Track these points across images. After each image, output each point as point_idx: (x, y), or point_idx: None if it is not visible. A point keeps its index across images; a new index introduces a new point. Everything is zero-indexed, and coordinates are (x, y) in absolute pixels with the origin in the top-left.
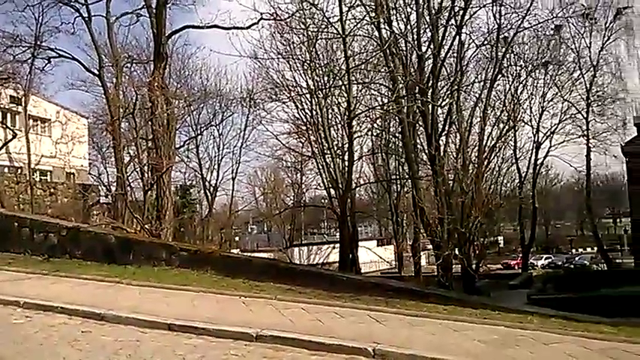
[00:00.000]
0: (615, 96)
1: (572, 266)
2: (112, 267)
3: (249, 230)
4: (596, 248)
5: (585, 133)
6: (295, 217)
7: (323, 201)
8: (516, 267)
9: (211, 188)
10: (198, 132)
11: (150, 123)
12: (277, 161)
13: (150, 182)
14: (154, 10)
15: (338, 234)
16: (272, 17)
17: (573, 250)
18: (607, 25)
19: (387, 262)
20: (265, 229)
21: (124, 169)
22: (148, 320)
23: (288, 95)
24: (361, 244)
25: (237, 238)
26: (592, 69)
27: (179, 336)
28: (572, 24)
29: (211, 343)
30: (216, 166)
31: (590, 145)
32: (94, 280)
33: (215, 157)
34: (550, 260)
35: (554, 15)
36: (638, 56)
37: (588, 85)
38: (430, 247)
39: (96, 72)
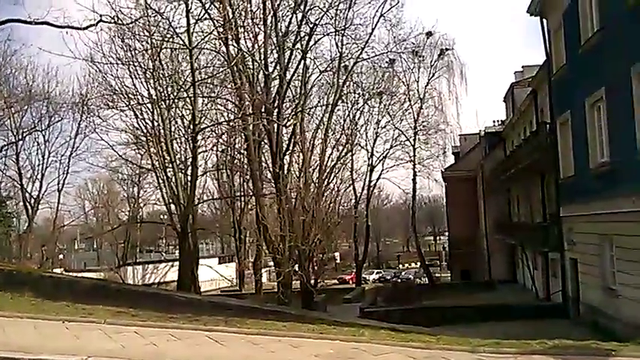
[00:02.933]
0: (437, 127)
1: (399, 280)
2: None
3: (77, 248)
4: (419, 264)
5: (412, 158)
6: (130, 234)
7: (162, 217)
8: (351, 282)
9: (32, 200)
10: (20, 137)
11: None
12: (112, 173)
13: None
14: None
15: (177, 252)
16: (113, 20)
17: (400, 266)
18: (432, 63)
19: (228, 280)
20: (95, 246)
21: None
22: None
23: (128, 103)
24: (202, 261)
25: (61, 257)
26: (419, 101)
27: None
28: (404, 59)
29: None
30: (39, 176)
31: (415, 169)
32: None
33: (39, 165)
34: (380, 275)
35: (389, 49)
36: (456, 93)
37: (416, 116)
38: (272, 264)
39: None
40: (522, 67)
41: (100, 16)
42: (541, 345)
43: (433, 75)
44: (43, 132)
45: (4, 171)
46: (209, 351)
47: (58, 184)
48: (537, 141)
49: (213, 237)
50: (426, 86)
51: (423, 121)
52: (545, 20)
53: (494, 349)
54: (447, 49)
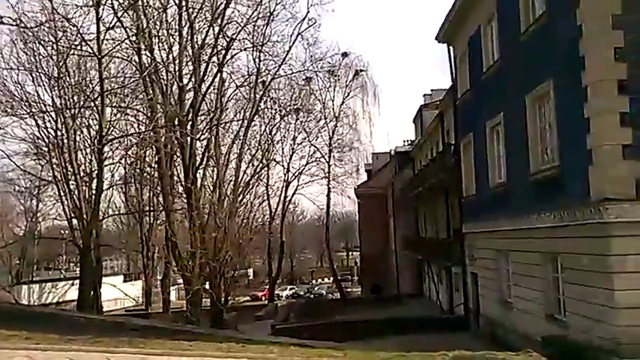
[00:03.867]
0: (351, 145)
1: (311, 296)
2: None
3: None
4: (332, 279)
5: (327, 175)
6: (26, 250)
7: (63, 232)
8: (264, 298)
9: None
10: None
11: None
12: (7, 184)
13: None
14: None
15: (79, 269)
16: (14, 23)
17: (314, 281)
18: (347, 83)
19: (134, 299)
20: None
21: None
22: None
23: (29, 111)
24: (106, 280)
25: None
26: (334, 120)
27: None
28: (320, 78)
29: None
30: None
31: (330, 186)
32: None
33: None
34: (294, 291)
35: (306, 67)
36: (370, 113)
37: (331, 133)
38: (180, 281)
39: None
40: (431, 90)
41: (0, 17)
42: (442, 357)
43: (348, 94)
44: None
45: None
46: None
47: None
48: (443, 161)
49: (119, 254)
50: (341, 105)
51: (337, 139)
52: (451, 47)
53: None
54: (361, 70)
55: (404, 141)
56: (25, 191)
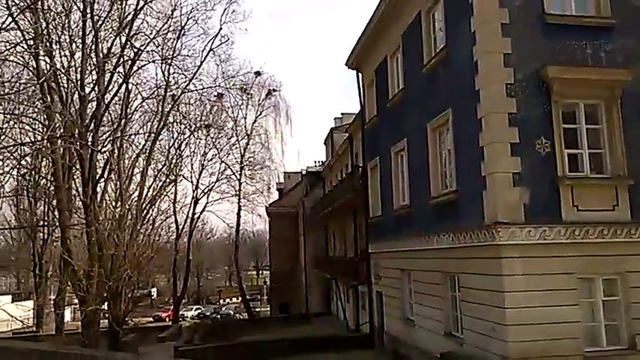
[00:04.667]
0: (263, 163)
1: (219, 316)
2: None
3: None
4: (240, 298)
5: (238, 193)
6: None
7: None
8: (167, 319)
9: None
10: None
11: None
12: None
13: None
14: None
15: None
16: None
17: (221, 301)
18: (260, 102)
19: (21, 321)
20: None
21: None
22: None
23: None
24: None
25: None
26: (246, 137)
27: None
28: (233, 95)
29: None
30: None
31: (241, 204)
32: None
33: None
34: (200, 311)
35: (218, 84)
36: (282, 132)
37: (242, 151)
38: (76, 301)
39: None
40: (341, 114)
41: None
42: None
43: (260, 113)
44: None
45: None
46: None
47: None
48: (351, 182)
49: (8, 271)
50: (253, 123)
51: (249, 157)
52: (360, 74)
53: None
54: (274, 90)
55: (315, 161)
56: None
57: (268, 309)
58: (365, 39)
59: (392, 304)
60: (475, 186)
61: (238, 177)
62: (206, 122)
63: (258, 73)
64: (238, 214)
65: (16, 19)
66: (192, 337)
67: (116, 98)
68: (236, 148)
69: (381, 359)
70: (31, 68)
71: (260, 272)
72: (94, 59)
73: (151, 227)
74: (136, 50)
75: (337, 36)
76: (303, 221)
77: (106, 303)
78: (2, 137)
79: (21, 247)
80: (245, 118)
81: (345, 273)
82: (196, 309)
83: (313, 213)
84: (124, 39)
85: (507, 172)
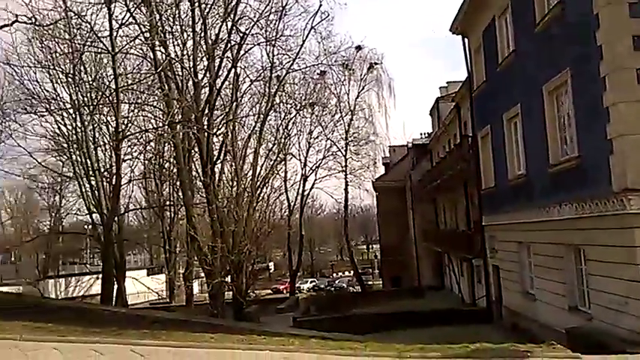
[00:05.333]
0: (368, 138)
1: (332, 289)
2: None
3: None
4: (352, 272)
5: (344, 169)
6: (51, 245)
7: (85, 227)
8: (285, 291)
9: None
10: None
11: None
12: (30, 181)
13: None
14: None
15: (102, 263)
16: (30, 22)
17: (334, 274)
18: (362, 77)
19: (157, 292)
20: (13, 258)
21: None
22: None
23: (48, 108)
24: (129, 273)
25: None
26: (350, 113)
27: None
28: (335, 71)
29: None
30: None
31: (347, 180)
32: None
33: None
34: (315, 284)
35: (320, 61)
36: (385, 106)
37: (347, 127)
38: (203, 275)
39: None
40: (447, 82)
41: (16, 16)
42: (463, 349)
43: (363, 88)
44: None
45: None
46: None
47: None
48: (460, 153)
49: (142, 248)
50: (356, 99)
51: (353, 133)
52: (466, 39)
53: (419, 353)
54: (375, 64)
55: (421, 133)
56: (48, 187)
57: (380, 282)
58: (469, 1)
59: (510, 278)
60: (600, 151)
61: (344, 153)
62: (310, 100)
63: (359, 48)
64: (346, 189)
65: (133, 14)
66: (309, 308)
67: (226, 83)
68: (340, 124)
69: (499, 334)
70: (149, 59)
71: (370, 246)
72: (204, 46)
73: (265, 205)
74: (241, 35)
75: (438, 1)
76: (410, 195)
77: (230, 276)
78: (129, 125)
79: (152, 225)
80: (348, 94)
81: (458, 246)
82: (311, 282)
83: (421, 186)
84: (229, 24)
85: (636, 135)
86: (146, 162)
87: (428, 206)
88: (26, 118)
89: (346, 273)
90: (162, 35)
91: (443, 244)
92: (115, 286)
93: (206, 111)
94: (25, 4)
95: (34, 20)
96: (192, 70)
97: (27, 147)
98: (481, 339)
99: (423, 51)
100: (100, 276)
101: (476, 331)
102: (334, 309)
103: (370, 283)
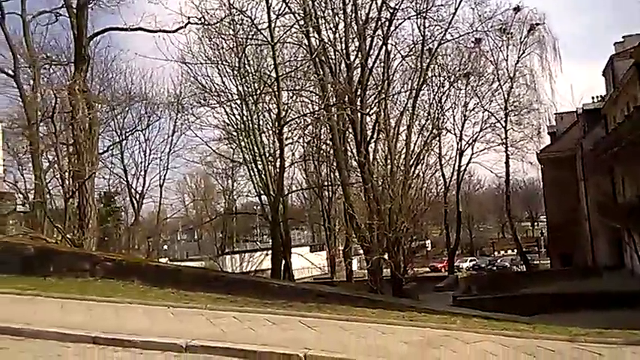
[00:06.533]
0: (530, 106)
1: (494, 268)
2: (31, 280)
3: (179, 239)
4: (516, 250)
5: (504, 141)
6: (227, 225)
7: (255, 208)
8: (443, 269)
9: (137, 195)
10: (123, 137)
11: (70, 127)
12: (207, 167)
13: (71, 189)
14: (75, 11)
15: (270, 241)
16: (200, 22)
17: (495, 253)
18: (522, 40)
19: (320, 268)
20: (195, 237)
21: (42, 175)
22: (71, 334)
23: (218, 100)
24: (294, 250)
25: (165, 247)
26: (509, 81)
27: (104, 349)
28: (491, 37)
29: (139, 356)
30: (142, 173)
31: (508, 152)
32: (11, 293)
33: (141, 163)
34: (474, 262)
35: (474, 29)
36: (549, 70)
37: (506, 96)
38: (361, 252)
39: (11, 73)
40: (623, 37)
41: (188, 18)
42: None
43: (523, 52)
44: (144, 131)
45: (112, 169)
46: (302, 335)
47: (160, 179)
48: None
49: (304, 226)
50: (515, 64)
51: (514, 101)
52: None
53: (597, 338)
54: (537, 24)
55: (593, 97)
56: (222, 172)
57: (547, 261)
58: None
59: None
60: None
61: (503, 124)
62: (465, 71)
63: (517, 9)
64: (507, 163)
65: (289, 4)
66: (469, 287)
67: (378, 61)
68: (499, 93)
69: None
70: (304, 46)
71: (535, 223)
72: (355, 27)
73: (420, 182)
74: (391, 10)
75: None
76: (581, 165)
77: (387, 253)
78: (289, 111)
79: (312, 204)
80: (506, 60)
81: None
82: (471, 260)
83: (594, 155)
84: (379, 1)
85: None
86: (305, 145)
87: (603, 177)
88: (201, 110)
89: (508, 252)
90: (315, 21)
91: (622, 219)
92: (283, 262)
93: (359, 91)
94: (195, 6)
95: (203, 20)
96: (344, 52)
97: (203, 137)
98: None
99: (589, 2)
100: (270, 252)
101: None
102: (497, 289)
103: (536, 262)
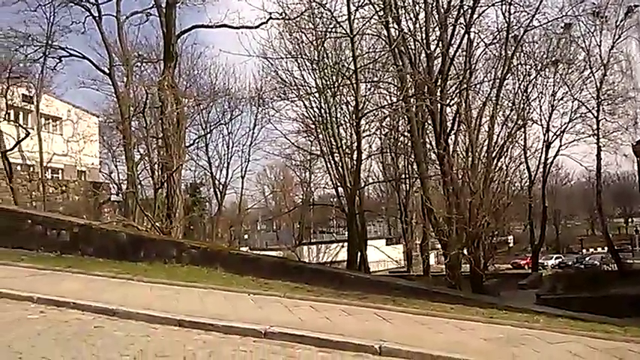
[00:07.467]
0: (626, 95)
1: (582, 266)
2: (124, 264)
3: (259, 228)
4: (606, 248)
5: (596, 132)
6: (304, 216)
7: (332, 199)
8: (526, 267)
9: (221, 186)
10: (208, 130)
11: (160, 122)
12: (286, 160)
13: (160, 180)
14: (164, 10)
15: (347, 233)
16: (281, 17)
17: (584, 250)
18: (617, 23)
19: (396, 261)
20: (274, 227)
21: (134, 167)
22: (159, 316)
23: (297, 94)
24: (370, 242)
25: (246, 236)
26: (602, 67)
27: (189, 332)
28: (582, 22)
29: (220, 339)
30: (225, 165)
31: (600, 144)
32: (106, 276)
33: (224, 155)
34: (560, 260)
35: (564, 13)
36: None
37: (599, 84)
38: (439, 246)
39: (106, 71)
40: None
41: (270, 14)
42: None
43: (619, 37)
44: (227, 125)
45: (197, 161)
46: (377, 327)
47: (241, 171)
48: None
49: (380, 219)
50: (610, 50)
51: (607, 90)
52: None
53: None
54: (635, 6)
55: None
56: (300, 165)
57: None
58: None
59: None
60: None
61: (595, 114)
62: (553, 58)
63: None
64: (598, 155)
65: None
66: (555, 286)
67: (459, 50)
68: (590, 81)
69: None
70: (383, 37)
71: (629, 219)
72: (436, 16)
73: (503, 175)
74: None
75: None
76: None
77: (467, 248)
78: (366, 103)
79: (389, 197)
80: (599, 46)
81: None
82: (556, 258)
83: None
84: None
85: None
86: (382, 137)
87: None
88: (281, 104)
89: (598, 249)
90: (395, 12)
91: None
92: (358, 254)
93: (439, 82)
94: (277, 1)
95: (283, 15)
96: (424, 42)
97: (282, 130)
98: None
99: None
100: (346, 244)
101: None
102: (585, 288)
103: (629, 261)
